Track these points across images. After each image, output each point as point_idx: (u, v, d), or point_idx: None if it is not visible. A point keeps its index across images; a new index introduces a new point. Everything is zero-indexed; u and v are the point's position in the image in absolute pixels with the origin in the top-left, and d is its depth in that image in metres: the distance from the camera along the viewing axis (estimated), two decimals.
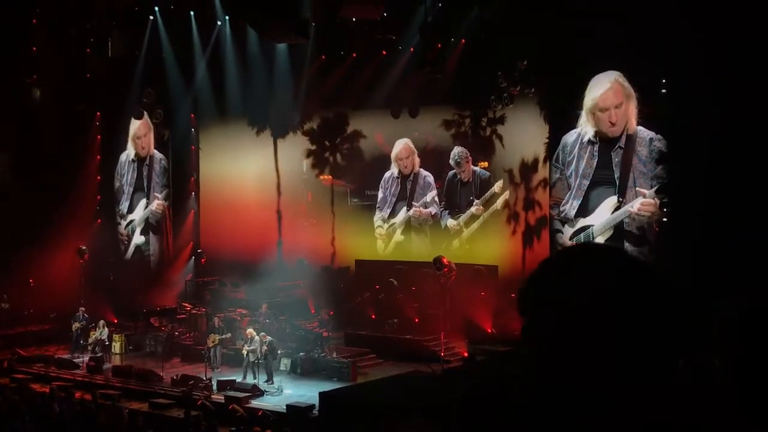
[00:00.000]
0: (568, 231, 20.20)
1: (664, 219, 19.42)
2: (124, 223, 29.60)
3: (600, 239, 19.27)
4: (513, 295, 21.89)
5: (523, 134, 23.35)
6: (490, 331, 22.41)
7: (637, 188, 18.70)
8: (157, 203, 28.92)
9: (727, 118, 17.35)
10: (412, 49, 24.03)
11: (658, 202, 18.70)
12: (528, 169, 23.31)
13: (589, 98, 19.71)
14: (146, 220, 29.34)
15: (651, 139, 18.62)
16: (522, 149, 23.46)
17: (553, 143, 21.83)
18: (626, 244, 18.24)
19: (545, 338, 1.54)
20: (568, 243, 19.54)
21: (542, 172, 22.75)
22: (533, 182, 23.16)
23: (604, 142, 19.26)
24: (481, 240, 24.29)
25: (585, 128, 19.89)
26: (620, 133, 19.10)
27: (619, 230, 19.21)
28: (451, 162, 24.56)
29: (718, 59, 17.56)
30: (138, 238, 29.36)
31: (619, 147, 19.15)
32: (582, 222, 19.97)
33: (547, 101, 22.33)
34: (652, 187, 18.67)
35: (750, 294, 1.84)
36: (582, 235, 19.82)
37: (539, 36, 20.84)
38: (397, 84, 24.81)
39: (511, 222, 23.74)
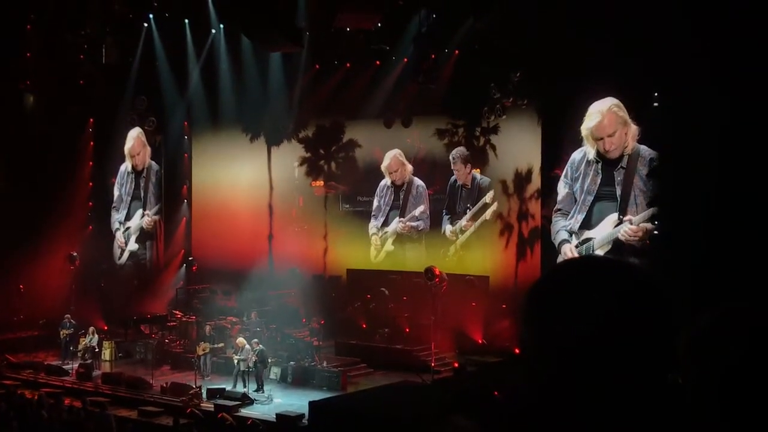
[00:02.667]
0: (574, 242, 20.66)
1: (655, 232, 19.65)
2: (122, 229, 29.56)
3: (599, 252, 19.78)
4: (504, 305, 22.05)
5: (517, 145, 23.42)
6: (480, 341, 22.43)
7: (623, 217, 19.46)
8: (148, 219, 28.99)
9: (720, 129, 17.45)
10: (405, 60, 24.13)
11: (644, 227, 19.25)
12: (522, 179, 23.36)
13: (585, 126, 20.12)
14: (141, 229, 29.37)
15: (651, 159, 19.19)
16: (516, 160, 23.51)
17: (547, 155, 21.95)
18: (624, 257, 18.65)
19: (547, 351, 1.58)
20: (575, 253, 20.10)
21: (536, 182, 22.82)
22: (527, 193, 23.22)
23: (606, 161, 19.97)
24: (473, 250, 24.30)
25: (587, 149, 20.39)
26: (618, 156, 19.74)
27: (618, 244, 19.72)
28: (450, 158, 24.68)
29: (712, 72, 17.63)
30: (132, 245, 29.41)
31: (621, 167, 19.78)
32: (585, 234, 20.44)
33: (540, 113, 22.41)
34: (648, 207, 19.19)
35: (725, 306, 1.84)
36: (583, 247, 20.34)
37: (533, 48, 20.93)
38: (391, 94, 24.86)
39: (504, 233, 23.77)
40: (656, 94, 19.61)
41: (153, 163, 29.22)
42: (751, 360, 1.67)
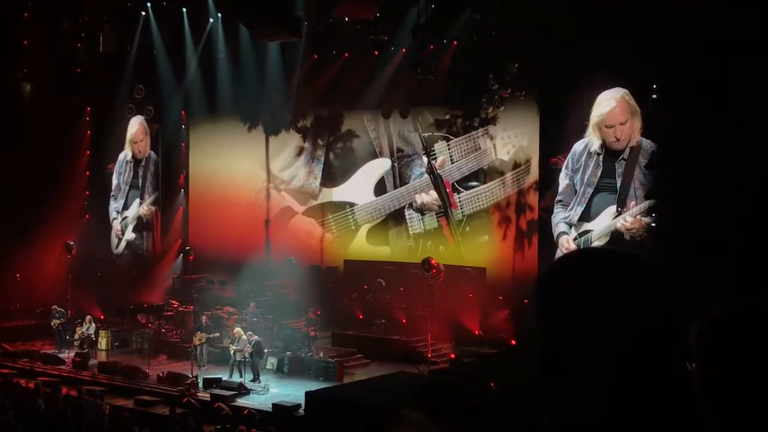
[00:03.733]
0: (573, 234, 20.83)
1: (653, 224, 19.79)
2: (120, 218, 29.59)
3: (597, 244, 19.92)
4: (501, 297, 22.06)
5: (515, 136, 23.41)
6: (477, 332, 22.44)
7: (622, 209, 19.63)
8: (145, 208, 29.05)
9: (717, 122, 17.50)
10: (404, 50, 24.07)
11: (642, 219, 19.43)
12: (520, 171, 23.35)
13: (596, 113, 20.20)
14: (138, 218, 29.41)
15: (653, 152, 19.30)
16: (514, 151, 23.49)
17: (546, 147, 22.00)
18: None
19: (553, 343, 1.61)
20: (572, 245, 20.28)
21: (534, 174, 22.81)
22: (525, 185, 23.21)
23: (609, 153, 20.03)
24: (470, 241, 24.30)
25: (592, 139, 20.45)
26: (624, 146, 19.80)
27: (616, 236, 19.90)
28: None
29: (708, 63, 17.64)
30: (129, 234, 29.50)
31: (623, 158, 19.90)
32: (584, 226, 20.62)
33: (539, 104, 22.44)
34: (645, 199, 19.33)
35: (736, 299, 1.84)
36: (582, 239, 20.52)
37: (531, 39, 20.93)
38: (389, 84, 24.81)
39: (502, 224, 23.76)
40: (655, 86, 19.65)
41: (152, 153, 29.21)
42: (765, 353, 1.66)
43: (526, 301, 20.58)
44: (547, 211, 21.88)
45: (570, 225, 20.96)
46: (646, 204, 19.57)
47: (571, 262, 1.73)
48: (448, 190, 24.46)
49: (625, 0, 18.93)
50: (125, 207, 29.58)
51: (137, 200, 29.28)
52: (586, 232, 20.63)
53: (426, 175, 24.97)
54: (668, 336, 1.58)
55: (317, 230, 27.15)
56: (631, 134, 19.60)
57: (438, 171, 24.59)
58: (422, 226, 25.14)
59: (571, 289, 1.62)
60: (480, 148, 24.03)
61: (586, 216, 20.65)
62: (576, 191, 20.85)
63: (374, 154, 26.20)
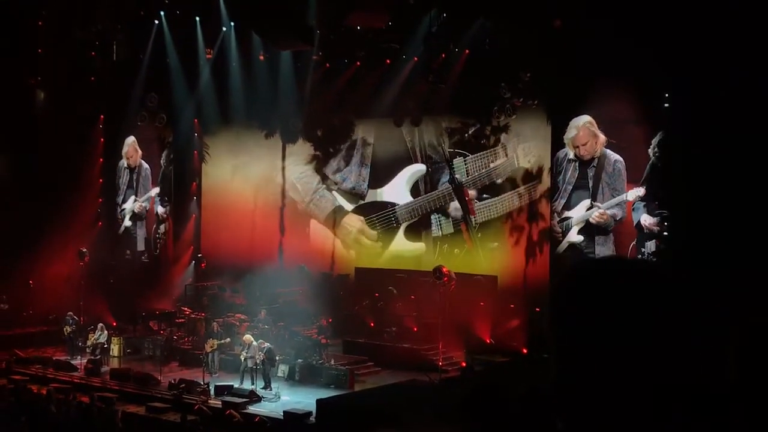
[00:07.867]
0: (556, 219, 22.91)
1: (665, 233, 20.02)
2: (119, 210, 31.13)
3: (575, 228, 22.59)
4: (512, 305, 22.07)
5: (527, 144, 23.43)
6: (488, 341, 22.41)
7: (595, 202, 22.57)
8: (139, 205, 30.68)
9: (724, 130, 17.62)
10: (416, 59, 24.12)
11: (608, 213, 22.04)
12: (531, 179, 23.38)
13: (566, 136, 22.40)
14: (133, 211, 30.74)
15: (615, 161, 22.02)
16: (526, 159, 23.52)
17: (557, 155, 22.28)
18: (596, 236, 22.34)
19: (572, 351, 1.62)
20: (557, 227, 22.93)
21: (546, 182, 22.88)
22: (536, 193, 23.26)
23: (581, 161, 22.56)
24: (482, 249, 24.30)
25: (568, 150, 22.52)
26: (589, 158, 22.43)
27: (589, 224, 22.41)
28: None
29: (721, 72, 17.68)
30: (127, 222, 31.08)
31: (593, 166, 22.41)
32: (565, 214, 22.73)
33: (550, 113, 22.53)
34: (613, 197, 22.07)
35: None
36: (564, 224, 22.79)
37: (543, 48, 20.97)
38: (401, 93, 24.84)
39: (513, 232, 23.77)
40: (667, 95, 19.78)
41: (143, 162, 30.30)
42: None
43: (538, 309, 20.76)
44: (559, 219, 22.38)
45: (553, 212, 22.93)
46: (613, 201, 21.92)
47: (586, 269, 1.72)
48: (467, 198, 24.58)
49: (636, 9, 18.97)
50: (124, 201, 31.28)
51: (132, 197, 30.87)
52: (567, 218, 22.63)
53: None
54: (683, 343, 1.58)
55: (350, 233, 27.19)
56: (593, 151, 22.26)
57: (460, 180, 24.64)
58: (440, 231, 25.20)
59: (587, 296, 1.62)
60: (497, 161, 24.05)
61: (567, 206, 22.81)
62: (559, 188, 22.85)
63: (408, 160, 26.00)
